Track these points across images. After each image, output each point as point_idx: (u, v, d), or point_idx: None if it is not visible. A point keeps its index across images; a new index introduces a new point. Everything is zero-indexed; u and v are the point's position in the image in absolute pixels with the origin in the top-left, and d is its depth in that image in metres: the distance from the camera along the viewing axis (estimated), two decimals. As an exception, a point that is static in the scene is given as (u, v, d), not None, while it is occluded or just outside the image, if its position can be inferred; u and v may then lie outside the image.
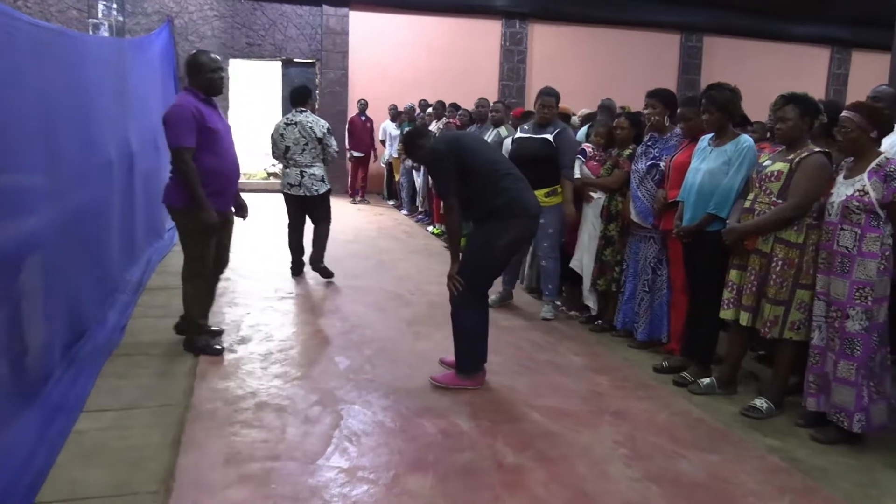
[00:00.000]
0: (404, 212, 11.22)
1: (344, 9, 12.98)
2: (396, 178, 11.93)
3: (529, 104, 11.17)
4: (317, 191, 6.25)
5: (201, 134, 4.08)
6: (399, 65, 13.37)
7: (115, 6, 11.89)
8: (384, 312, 5.49)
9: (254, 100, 15.06)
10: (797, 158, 3.63)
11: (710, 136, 4.23)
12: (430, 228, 9.63)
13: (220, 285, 6.12)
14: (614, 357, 4.62)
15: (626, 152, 5.06)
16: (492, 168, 3.92)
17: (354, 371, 4.18)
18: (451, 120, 8.07)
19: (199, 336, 4.39)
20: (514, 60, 13.91)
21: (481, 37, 13.76)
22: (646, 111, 4.82)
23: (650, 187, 4.68)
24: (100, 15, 11.81)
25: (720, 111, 4.06)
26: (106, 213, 5.14)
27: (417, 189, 10.61)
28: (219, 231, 4.30)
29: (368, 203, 12.18)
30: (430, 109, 10.22)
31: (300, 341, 4.72)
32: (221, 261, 4.58)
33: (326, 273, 6.44)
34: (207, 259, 4.33)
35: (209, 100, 4.27)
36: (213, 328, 4.72)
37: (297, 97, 6.27)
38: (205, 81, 4.22)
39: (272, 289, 6.09)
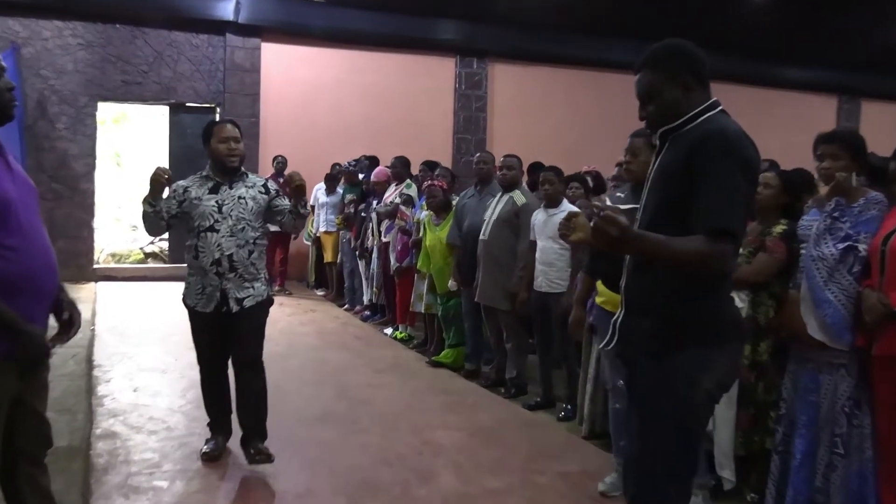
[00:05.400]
0: (353, 307, 9.48)
1: (254, 39, 11.52)
2: (327, 259, 10.37)
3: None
4: None
5: None
6: (326, 112, 11.93)
7: (-67, 30, 10.08)
8: None
9: (132, 156, 13.41)
10: None
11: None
12: (390, 332, 8.03)
13: (100, 462, 4.28)
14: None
15: (778, 228, 3.72)
16: None
17: None
18: (434, 182, 6.58)
19: None
20: (471, 108, 12.73)
21: (429, 78, 12.57)
22: (823, 165, 3.51)
23: (847, 285, 3.33)
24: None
25: None
26: None
27: (366, 276, 8.98)
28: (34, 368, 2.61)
29: (290, 294, 10.44)
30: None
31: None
32: (39, 434, 2.75)
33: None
34: None
35: None
36: None
37: None
38: None
39: (188, 451, 4.34)
